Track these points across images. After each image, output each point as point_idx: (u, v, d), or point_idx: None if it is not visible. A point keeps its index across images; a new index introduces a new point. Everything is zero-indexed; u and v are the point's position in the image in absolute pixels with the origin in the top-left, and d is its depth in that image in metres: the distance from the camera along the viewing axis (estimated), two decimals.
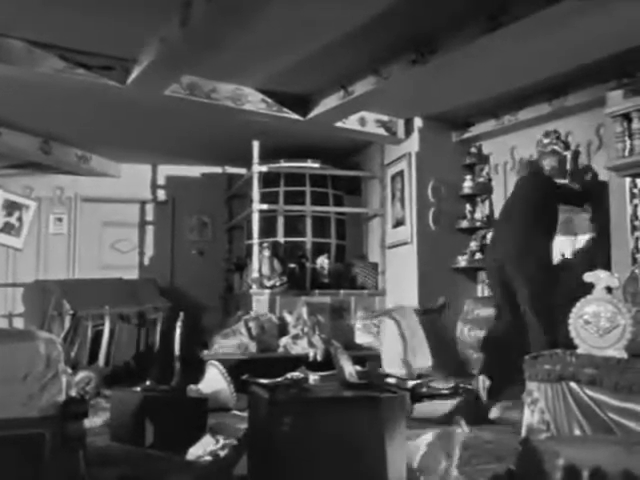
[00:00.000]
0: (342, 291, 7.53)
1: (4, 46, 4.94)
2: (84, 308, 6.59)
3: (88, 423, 3.45)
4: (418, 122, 7.05)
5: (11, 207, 8.45)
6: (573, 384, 3.50)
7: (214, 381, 5.38)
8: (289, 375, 5.25)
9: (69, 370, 3.07)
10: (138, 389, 4.87)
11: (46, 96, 6.08)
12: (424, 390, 5.16)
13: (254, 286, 7.25)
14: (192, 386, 5.36)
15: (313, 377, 5.22)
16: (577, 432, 3.41)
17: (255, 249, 7.44)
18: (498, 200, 6.82)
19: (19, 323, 8.10)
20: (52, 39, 5.01)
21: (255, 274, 7.30)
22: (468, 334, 6.31)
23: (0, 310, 8.30)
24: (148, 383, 5.48)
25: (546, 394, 3.58)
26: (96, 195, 8.72)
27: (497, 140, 6.91)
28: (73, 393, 2.97)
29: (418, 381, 5.25)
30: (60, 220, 8.69)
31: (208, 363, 5.62)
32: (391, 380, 5.24)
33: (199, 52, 4.83)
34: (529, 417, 3.64)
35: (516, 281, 5.29)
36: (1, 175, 8.38)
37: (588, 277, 3.70)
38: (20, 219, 8.50)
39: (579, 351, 3.64)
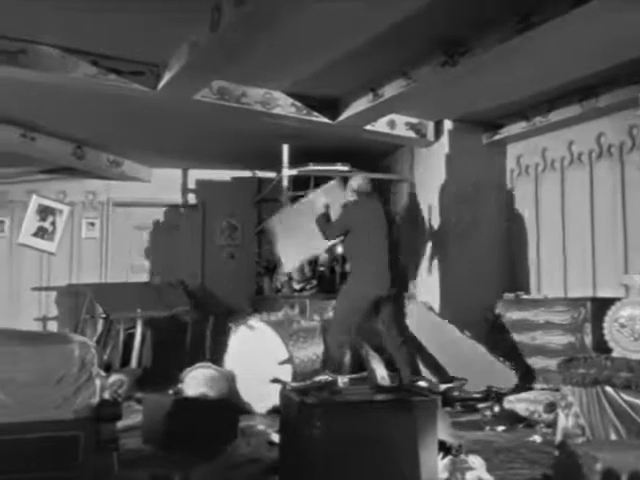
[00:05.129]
0: None
1: (38, 53, 5.02)
2: (116, 311, 6.64)
3: (120, 425, 3.47)
4: (448, 124, 7.01)
5: (45, 212, 8.57)
6: (608, 388, 3.45)
7: None
8: (317, 378, 5.23)
9: (102, 373, 3.10)
10: (170, 392, 4.88)
11: (79, 102, 6.15)
12: (456, 394, 5.13)
13: (284, 289, 7.26)
14: None
15: (342, 380, 5.19)
16: (613, 436, 3.36)
17: None
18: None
19: (53, 326, 8.21)
20: (84, 46, 5.08)
21: (285, 277, 7.30)
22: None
23: (34, 313, 8.42)
24: (180, 386, 5.50)
25: (581, 398, 3.54)
26: (128, 199, 8.80)
27: (528, 141, 6.85)
28: (106, 396, 2.99)
29: (450, 385, 5.21)
30: (92, 224, 8.79)
31: None
32: (423, 384, 5.20)
33: (229, 57, 4.85)
34: (563, 421, 3.60)
35: None
36: (35, 180, 8.51)
37: (624, 280, 3.65)
38: (54, 224, 8.61)
39: (614, 355, 3.59)
